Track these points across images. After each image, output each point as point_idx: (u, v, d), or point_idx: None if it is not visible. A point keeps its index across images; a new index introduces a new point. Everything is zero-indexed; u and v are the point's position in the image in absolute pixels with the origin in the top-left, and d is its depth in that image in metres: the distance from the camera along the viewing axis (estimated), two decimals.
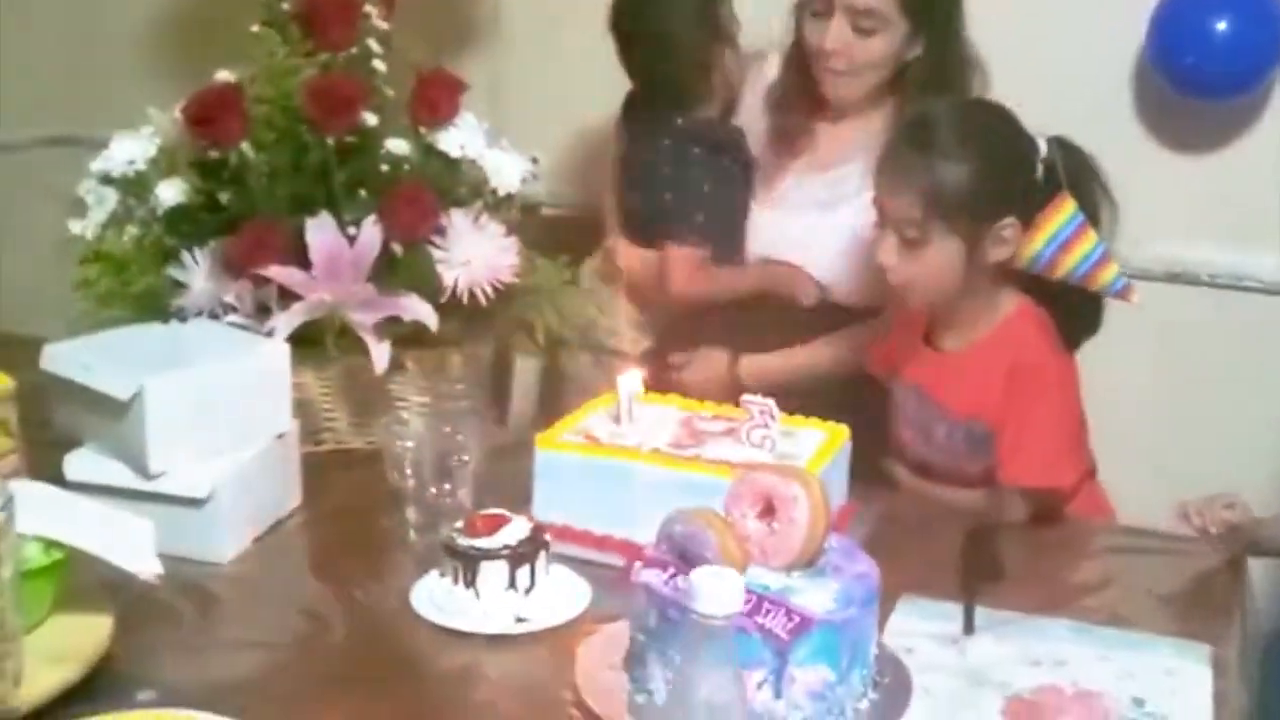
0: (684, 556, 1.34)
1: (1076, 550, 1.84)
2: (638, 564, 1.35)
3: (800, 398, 1.84)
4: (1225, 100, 2.42)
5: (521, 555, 1.50)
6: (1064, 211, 1.90)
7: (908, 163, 1.89)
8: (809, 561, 1.35)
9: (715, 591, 1.05)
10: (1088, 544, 1.87)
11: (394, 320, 1.89)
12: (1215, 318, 2.53)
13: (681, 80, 2.31)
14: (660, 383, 2.23)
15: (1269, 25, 2.34)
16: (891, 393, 2.09)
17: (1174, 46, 2.37)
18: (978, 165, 1.87)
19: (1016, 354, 1.92)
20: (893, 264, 1.92)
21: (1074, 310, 1.95)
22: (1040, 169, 1.91)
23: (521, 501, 1.73)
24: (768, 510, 1.35)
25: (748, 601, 1.26)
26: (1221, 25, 2.31)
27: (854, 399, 2.06)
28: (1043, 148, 1.92)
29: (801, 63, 2.23)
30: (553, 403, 2.31)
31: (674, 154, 2.32)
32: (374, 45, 1.97)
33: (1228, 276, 2.53)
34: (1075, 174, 1.92)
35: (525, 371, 2.39)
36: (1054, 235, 1.90)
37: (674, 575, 1.32)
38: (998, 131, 1.92)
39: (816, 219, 2.26)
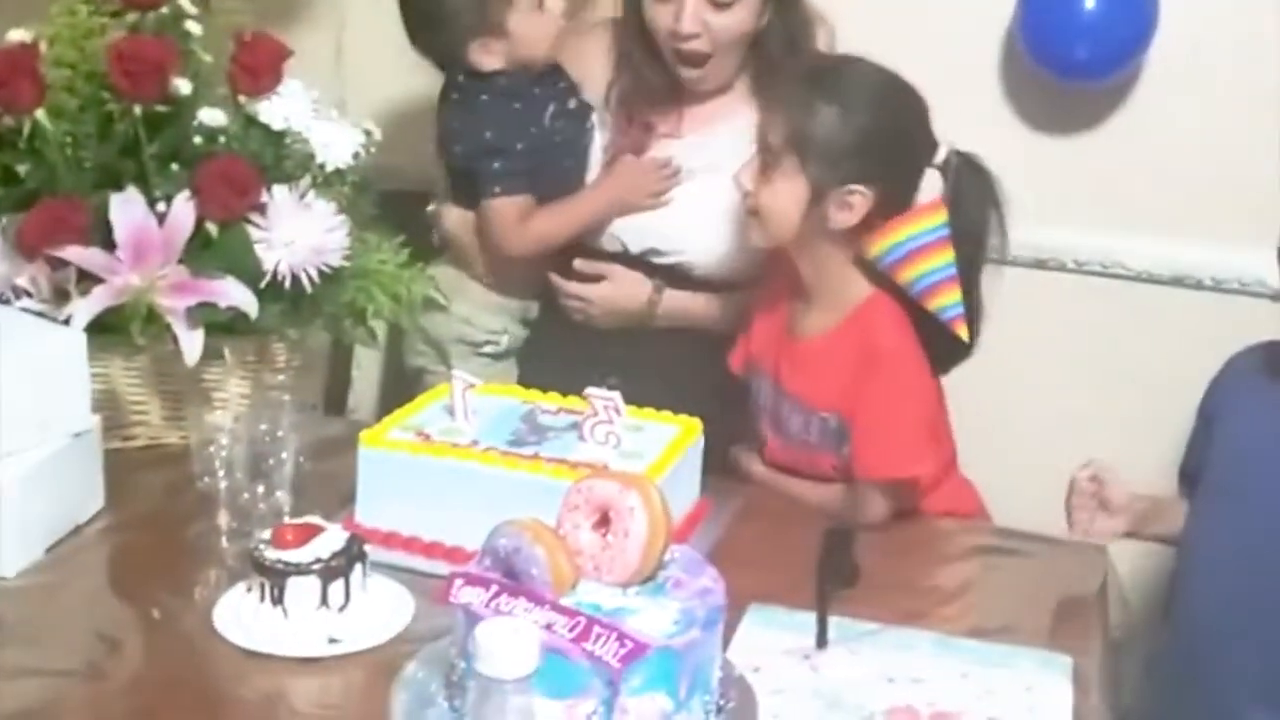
0: (510, 573, 1.22)
1: (938, 552, 1.76)
2: (457, 581, 1.22)
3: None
4: (1094, 81, 2.35)
5: (334, 569, 1.37)
6: (932, 219, 1.83)
7: (794, 94, 1.85)
8: (647, 576, 1.24)
9: (503, 650, 0.92)
10: (949, 546, 1.79)
11: (209, 306, 1.73)
12: (1082, 304, 2.47)
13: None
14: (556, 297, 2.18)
15: (1139, 4, 2.27)
16: (750, 385, 2.01)
17: (1043, 26, 2.29)
18: (854, 123, 1.81)
19: (867, 340, 1.84)
20: (746, 187, 1.87)
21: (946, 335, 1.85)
22: (928, 171, 1.86)
23: (346, 504, 1.61)
24: (603, 521, 1.24)
25: (576, 625, 1.15)
26: (1090, 3, 2.23)
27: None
28: (941, 154, 1.85)
29: (645, 49, 2.11)
30: (401, 396, 2.17)
31: (488, 108, 2.14)
32: (187, 5, 1.80)
33: (1095, 263, 2.47)
34: (972, 193, 1.85)
35: (368, 362, 2.24)
36: (913, 236, 1.83)
37: (498, 595, 1.20)
38: (897, 110, 1.86)
39: (681, 188, 2.15)
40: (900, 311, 1.85)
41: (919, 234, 1.83)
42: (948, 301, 1.83)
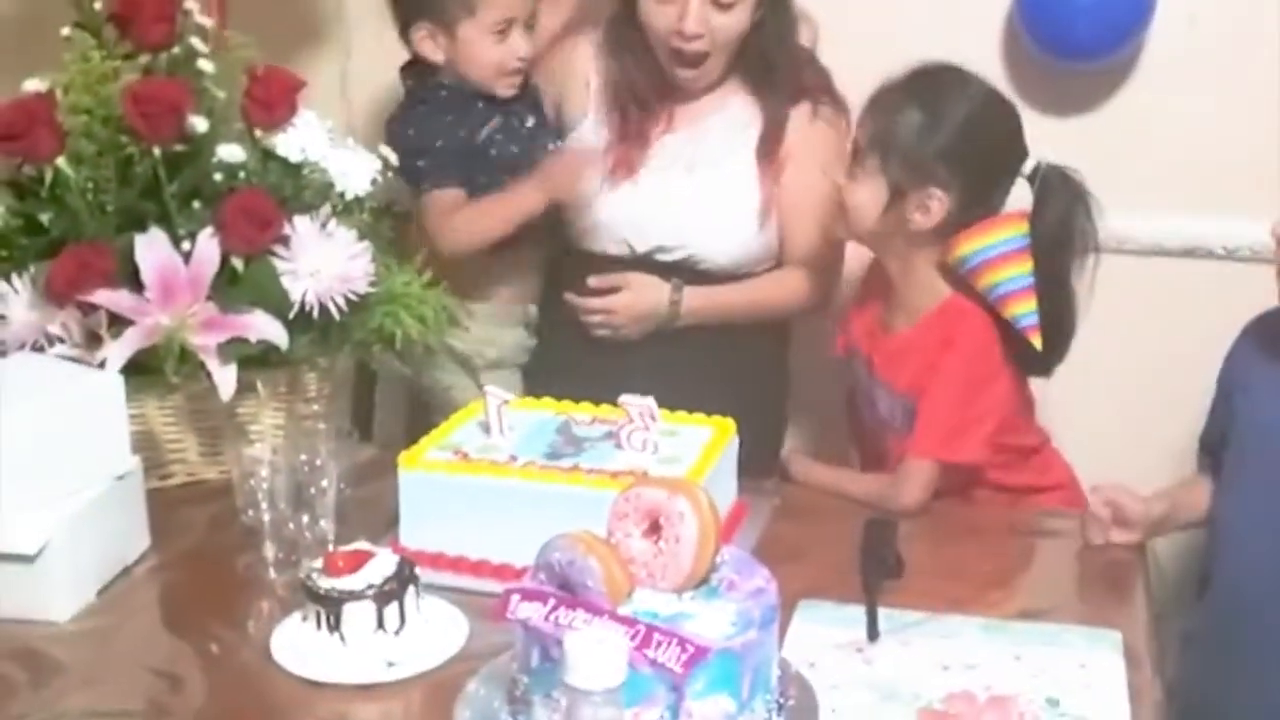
0: (565, 585, 1.23)
1: (979, 537, 1.77)
2: (514, 597, 1.24)
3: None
4: (1094, 62, 2.36)
5: (388, 593, 1.38)
6: (1013, 228, 1.89)
7: (885, 97, 1.93)
8: (701, 580, 1.25)
9: (593, 662, 0.94)
10: (990, 530, 1.80)
11: (240, 340, 1.74)
12: (1096, 281, 2.47)
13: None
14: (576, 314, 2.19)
15: None
16: (851, 367, 2.10)
17: (1042, 8, 2.30)
18: (939, 129, 1.88)
19: (946, 333, 1.92)
20: (837, 181, 1.95)
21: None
22: (1018, 180, 1.93)
23: (389, 527, 1.62)
24: (653, 528, 1.25)
25: (636, 634, 1.16)
26: None
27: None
28: (1030, 165, 1.91)
29: (638, 49, 2.14)
30: (423, 416, 2.18)
31: (421, 113, 2.19)
32: (198, 44, 1.81)
33: (1108, 239, 2.47)
34: (1059, 204, 1.91)
35: (390, 384, 2.25)
36: (992, 245, 1.89)
37: (555, 608, 1.21)
38: (985, 121, 1.92)
39: (681, 182, 2.17)
40: (980, 312, 1.92)
41: (998, 243, 1.88)
42: (1022, 310, 1.89)
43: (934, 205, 1.88)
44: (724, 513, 1.66)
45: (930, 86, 1.92)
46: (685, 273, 2.17)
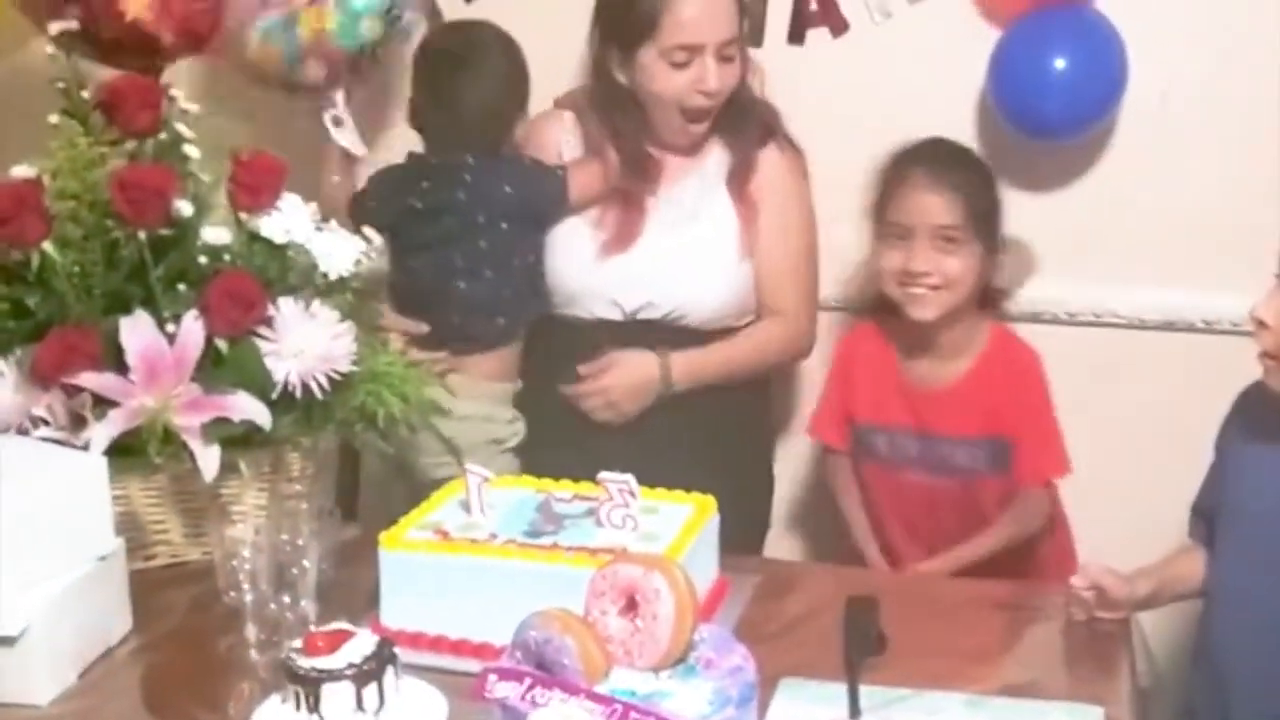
0: (542, 664, 1.24)
1: (961, 613, 1.76)
2: (491, 677, 1.24)
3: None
4: (1068, 138, 2.40)
5: (367, 673, 1.37)
6: None
7: (954, 176, 2.12)
8: (678, 658, 1.26)
9: None
10: (972, 606, 1.79)
11: (223, 421, 1.76)
12: (1079, 354, 2.49)
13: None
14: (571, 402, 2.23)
15: (1108, 61, 2.32)
16: (870, 448, 2.23)
17: (1015, 87, 2.34)
18: (992, 190, 2.16)
19: (1010, 363, 2.15)
20: (927, 266, 2.10)
21: None
22: None
23: (370, 606, 1.62)
24: (630, 606, 1.26)
25: (613, 712, 1.16)
26: (1061, 64, 2.29)
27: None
28: None
29: (631, 119, 2.22)
30: (408, 495, 2.19)
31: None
32: (184, 130, 1.84)
33: (1087, 313, 2.51)
34: None
35: (374, 463, 2.25)
36: None
37: (532, 687, 1.22)
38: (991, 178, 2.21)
39: (665, 238, 2.24)
40: (1015, 332, 2.19)
41: None
42: None
43: (1003, 258, 2.15)
44: (705, 590, 1.67)
45: (965, 156, 2.17)
46: (668, 330, 2.23)
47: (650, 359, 2.21)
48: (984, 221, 2.11)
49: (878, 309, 2.24)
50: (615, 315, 2.23)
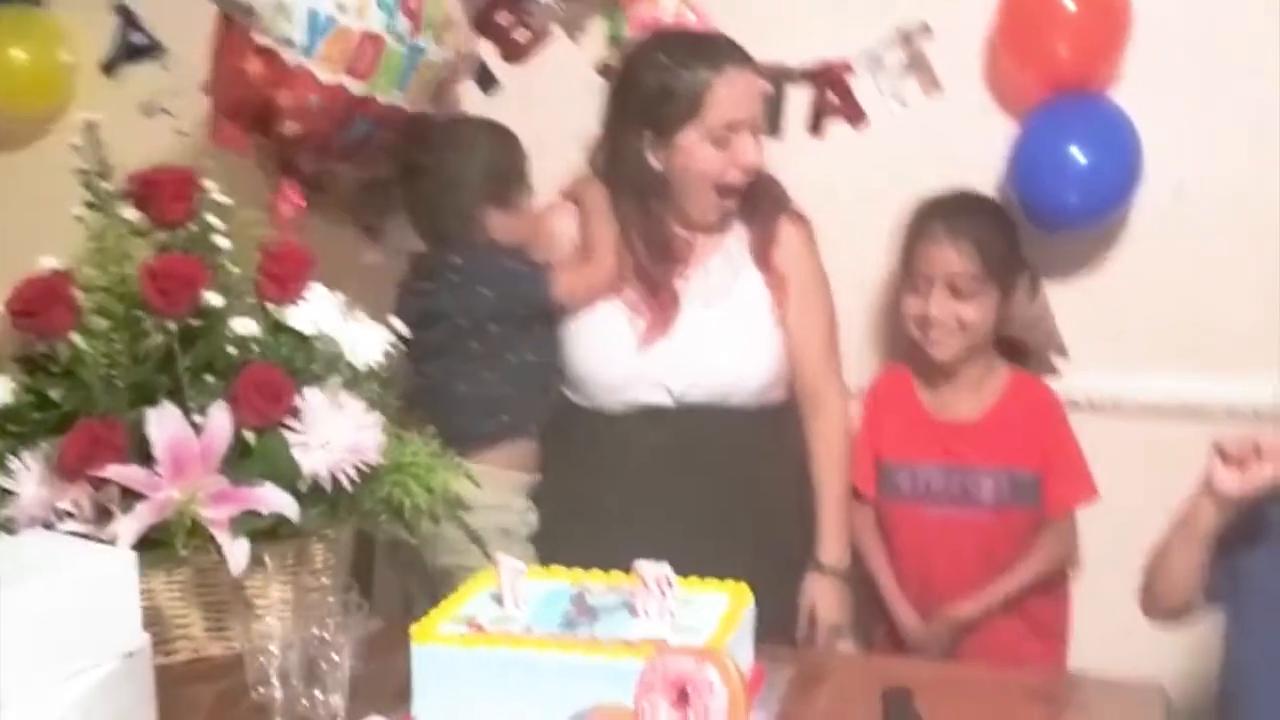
0: None
1: (997, 702, 1.73)
2: None
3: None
4: (1085, 229, 2.42)
5: None
6: None
7: (963, 226, 2.26)
8: None
9: None
10: (1009, 694, 1.76)
11: (251, 513, 1.73)
12: (1100, 443, 2.48)
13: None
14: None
15: (1123, 151, 2.35)
16: (895, 488, 2.36)
17: (1032, 179, 2.36)
18: (1005, 233, 2.30)
19: (1036, 399, 2.32)
20: (941, 314, 2.28)
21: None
22: None
23: (400, 701, 1.59)
24: (682, 698, 1.24)
25: None
26: (1077, 156, 2.31)
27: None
28: None
29: (665, 195, 2.24)
30: (425, 587, 2.17)
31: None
32: (215, 221, 1.84)
33: (1107, 402, 2.50)
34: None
35: (388, 554, 2.22)
36: None
37: None
38: (1006, 220, 2.34)
39: (701, 318, 2.26)
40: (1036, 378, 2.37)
41: None
42: None
43: (1022, 297, 2.32)
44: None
45: (975, 205, 2.30)
46: (715, 413, 2.23)
47: (819, 582, 2.27)
48: (1000, 265, 2.26)
49: (901, 350, 2.43)
50: (664, 400, 2.24)
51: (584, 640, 1.54)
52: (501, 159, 2.30)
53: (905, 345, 2.40)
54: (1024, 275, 2.31)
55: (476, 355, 2.25)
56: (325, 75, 2.20)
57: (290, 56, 2.18)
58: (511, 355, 2.26)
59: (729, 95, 2.18)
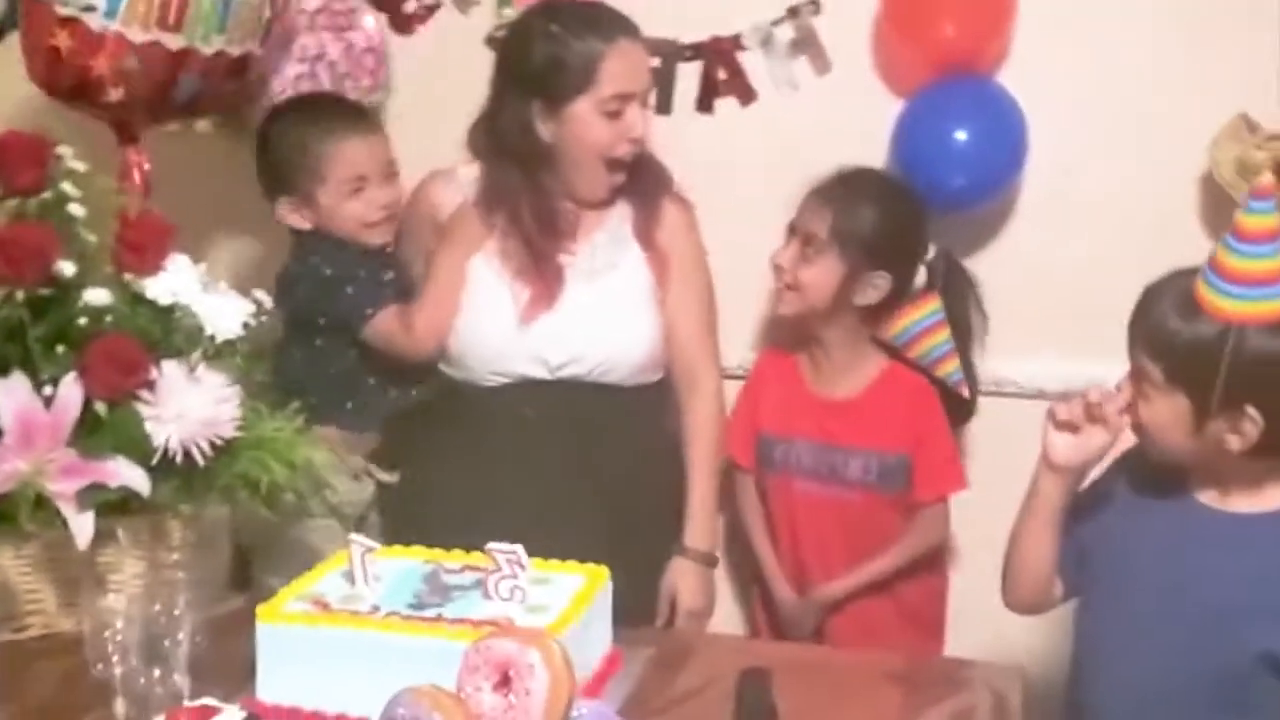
0: None
1: (852, 685, 1.73)
2: None
3: None
4: (968, 209, 2.42)
5: None
6: (927, 308, 2.36)
7: (836, 193, 2.27)
8: None
9: None
10: (864, 678, 1.76)
11: (99, 486, 1.70)
12: (983, 424, 2.49)
13: None
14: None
15: (1008, 132, 2.35)
16: (769, 460, 2.39)
17: (915, 157, 2.36)
18: (883, 220, 2.26)
19: (912, 387, 2.34)
20: (787, 265, 2.29)
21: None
22: (923, 267, 2.37)
23: (248, 680, 1.56)
24: (504, 681, 1.22)
25: None
26: (961, 135, 2.31)
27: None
28: (930, 252, 2.37)
29: (553, 168, 2.22)
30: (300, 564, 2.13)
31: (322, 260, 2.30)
32: (69, 189, 1.79)
33: (989, 383, 2.50)
34: (954, 283, 2.38)
35: (264, 532, 2.19)
36: (918, 321, 2.36)
37: None
38: (911, 211, 2.31)
39: (584, 292, 2.24)
40: (916, 373, 2.37)
41: (923, 319, 2.36)
42: (950, 369, 2.37)
43: (880, 284, 2.27)
44: (596, 663, 1.64)
45: (870, 183, 2.29)
46: (589, 388, 2.22)
47: (681, 565, 2.26)
48: (854, 242, 2.24)
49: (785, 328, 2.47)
50: (541, 373, 2.21)
51: (428, 620, 1.53)
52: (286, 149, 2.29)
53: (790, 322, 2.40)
54: (883, 274, 2.27)
55: (317, 344, 2.28)
56: (137, 35, 2.13)
57: (95, 23, 2.11)
58: (338, 354, 2.28)
59: (621, 67, 2.16)
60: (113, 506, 1.72)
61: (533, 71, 2.18)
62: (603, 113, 2.16)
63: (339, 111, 2.33)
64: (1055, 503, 1.76)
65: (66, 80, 2.16)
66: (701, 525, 2.28)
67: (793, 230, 2.31)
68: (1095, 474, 1.83)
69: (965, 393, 2.37)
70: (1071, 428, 1.73)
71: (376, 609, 1.56)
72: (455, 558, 1.71)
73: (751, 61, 2.52)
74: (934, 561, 2.42)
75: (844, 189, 2.27)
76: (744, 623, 2.66)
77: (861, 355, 2.36)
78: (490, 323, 2.22)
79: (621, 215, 2.28)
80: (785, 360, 2.43)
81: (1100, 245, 2.45)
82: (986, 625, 2.17)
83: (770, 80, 2.52)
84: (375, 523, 2.31)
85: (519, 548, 1.60)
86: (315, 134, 2.26)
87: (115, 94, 2.16)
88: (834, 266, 2.25)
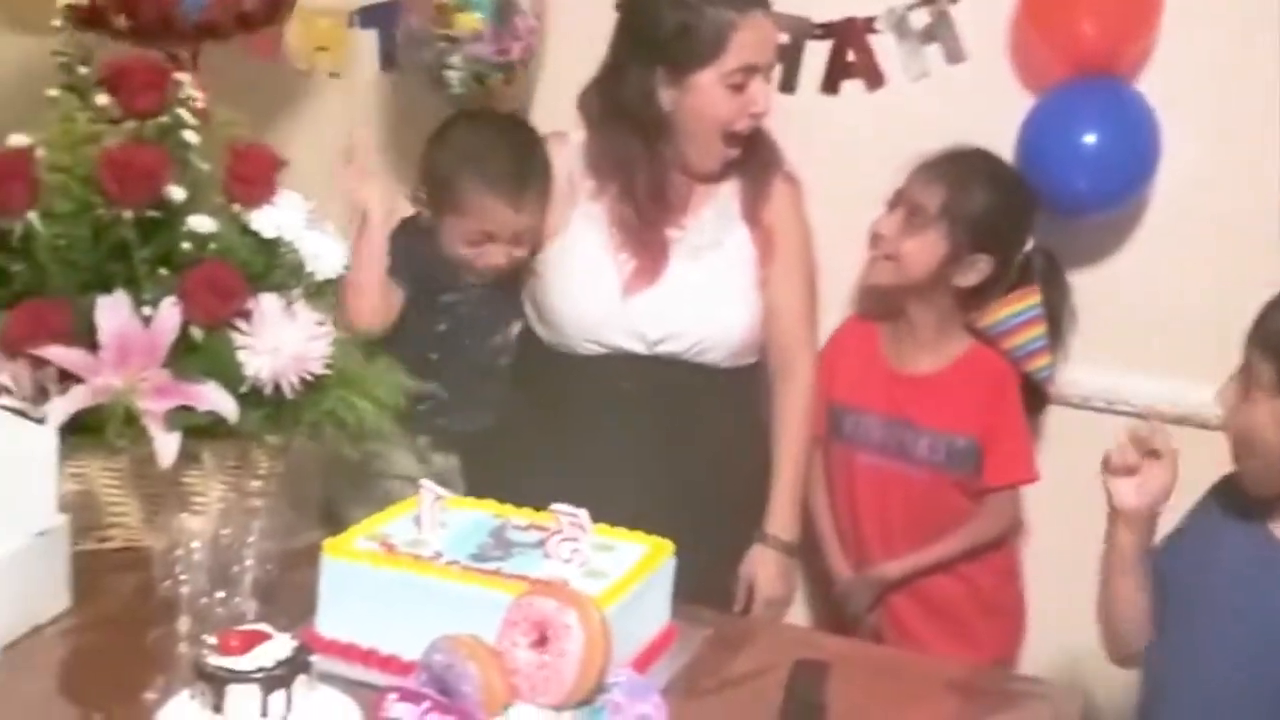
0: (444, 689, 1.20)
1: (910, 689, 1.70)
2: (391, 696, 1.21)
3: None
4: (1094, 216, 2.35)
5: (277, 678, 1.34)
6: (1028, 301, 2.34)
7: (950, 170, 2.25)
8: (584, 699, 1.22)
9: None
10: (921, 682, 1.73)
11: (188, 409, 1.74)
12: (1086, 441, 2.41)
13: None
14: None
15: (1139, 136, 2.27)
16: (838, 429, 2.38)
17: (1043, 159, 2.30)
18: (995, 203, 2.25)
19: (992, 371, 2.32)
20: (888, 235, 2.28)
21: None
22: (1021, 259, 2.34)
23: (311, 613, 1.58)
24: (541, 640, 1.22)
25: None
26: (1090, 138, 2.24)
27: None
28: (1029, 244, 2.35)
29: (671, 137, 2.19)
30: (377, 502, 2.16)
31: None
32: (186, 115, 1.83)
33: (1099, 399, 2.44)
34: (1050, 279, 2.36)
35: (345, 468, 2.22)
36: (1015, 314, 2.34)
37: (430, 710, 1.18)
38: (1022, 199, 2.29)
39: (688, 269, 2.22)
40: (1001, 357, 2.34)
41: (1020, 312, 2.34)
42: (1042, 365, 2.36)
43: (981, 266, 2.26)
44: (650, 636, 1.63)
45: (987, 166, 2.27)
46: (685, 367, 2.20)
47: (761, 553, 2.25)
48: (963, 221, 2.22)
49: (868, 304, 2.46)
50: (638, 348, 2.20)
51: (485, 572, 1.53)
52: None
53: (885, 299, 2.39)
54: (986, 257, 2.26)
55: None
56: None
57: None
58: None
59: (751, 39, 2.13)
60: (201, 430, 1.76)
61: (661, 38, 2.15)
62: (726, 85, 2.14)
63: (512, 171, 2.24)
64: (1133, 552, 1.71)
65: (82, 11, 2.12)
66: (784, 514, 2.25)
67: (897, 200, 2.29)
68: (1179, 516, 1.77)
69: (1050, 391, 2.36)
70: (1129, 470, 1.67)
71: (439, 555, 1.57)
72: (525, 515, 1.72)
73: (882, 45, 2.47)
74: (1005, 549, 2.39)
75: (957, 167, 2.25)
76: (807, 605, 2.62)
77: (948, 335, 2.34)
78: (592, 293, 2.22)
79: (730, 192, 2.26)
80: (867, 330, 2.41)
81: (1231, 259, 2.36)
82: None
83: (900, 65, 2.47)
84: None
85: (583, 511, 1.59)
86: (472, 183, 2.21)
87: (120, 21, 2.17)
88: (938, 242, 2.24)
